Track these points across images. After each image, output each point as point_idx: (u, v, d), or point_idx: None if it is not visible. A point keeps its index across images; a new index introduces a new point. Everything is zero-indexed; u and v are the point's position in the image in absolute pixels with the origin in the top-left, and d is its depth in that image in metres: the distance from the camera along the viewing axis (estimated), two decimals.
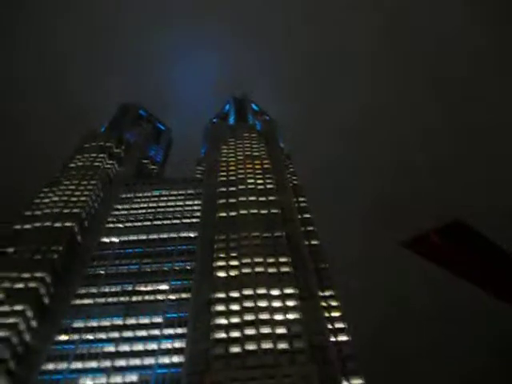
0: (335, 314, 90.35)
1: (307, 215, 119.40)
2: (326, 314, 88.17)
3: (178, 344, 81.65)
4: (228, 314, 79.43)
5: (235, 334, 75.30)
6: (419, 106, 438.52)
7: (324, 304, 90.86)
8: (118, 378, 75.92)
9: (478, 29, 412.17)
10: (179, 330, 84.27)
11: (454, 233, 3.37)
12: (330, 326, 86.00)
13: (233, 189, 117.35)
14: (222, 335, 75.25)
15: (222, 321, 78.07)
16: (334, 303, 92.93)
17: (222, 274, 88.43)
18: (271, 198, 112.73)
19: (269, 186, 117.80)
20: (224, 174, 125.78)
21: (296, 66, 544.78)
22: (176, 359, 78.60)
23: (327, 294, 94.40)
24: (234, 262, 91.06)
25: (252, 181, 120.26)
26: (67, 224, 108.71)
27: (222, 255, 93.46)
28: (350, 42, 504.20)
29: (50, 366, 78.06)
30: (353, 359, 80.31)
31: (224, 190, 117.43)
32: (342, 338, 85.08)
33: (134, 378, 75.83)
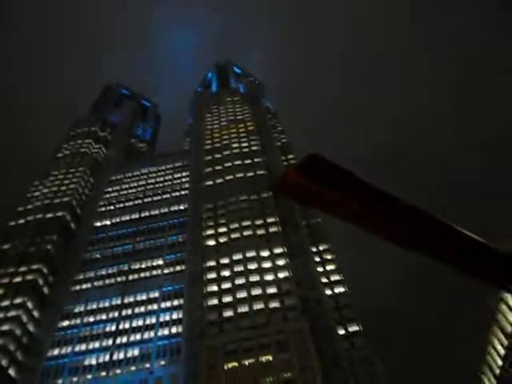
0: (330, 267, 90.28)
1: None
2: (321, 269, 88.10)
3: (175, 315, 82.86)
4: (219, 280, 79.87)
5: (227, 298, 75.88)
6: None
7: (318, 259, 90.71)
8: (121, 355, 77.80)
9: None
10: (176, 302, 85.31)
11: (312, 168, 3.15)
12: (325, 280, 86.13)
13: (218, 156, 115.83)
14: (215, 301, 75.91)
15: (214, 288, 78.62)
16: (328, 256, 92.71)
17: (211, 243, 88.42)
18: (256, 159, 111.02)
19: (254, 148, 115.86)
20: (209, 142, 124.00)
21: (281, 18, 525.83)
22: (175, 330, 79.95)
23: (321, 248, 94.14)
24: (223, 229, 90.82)
25: (236, 145, 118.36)
26: (58, 214, 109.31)
27: (210, 224, 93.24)
28: None
29: (56, 352, 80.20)
30: (349, 308, 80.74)
31: (209, 158, 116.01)
32: (339, 289, 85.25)
33: (136, 352, 77.62)
